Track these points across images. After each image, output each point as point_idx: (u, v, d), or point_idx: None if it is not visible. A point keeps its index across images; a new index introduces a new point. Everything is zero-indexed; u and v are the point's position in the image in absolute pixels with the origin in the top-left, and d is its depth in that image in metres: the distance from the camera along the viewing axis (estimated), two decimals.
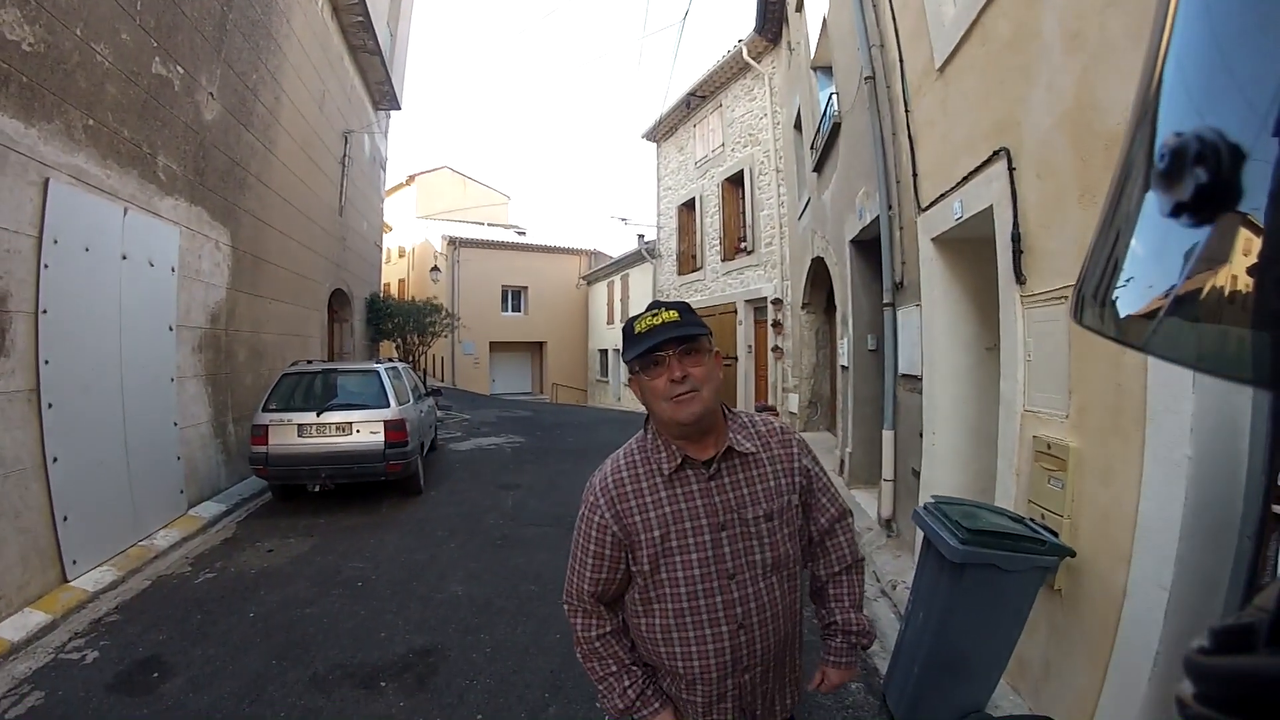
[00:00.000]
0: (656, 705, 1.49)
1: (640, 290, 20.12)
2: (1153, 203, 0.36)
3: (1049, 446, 2.84)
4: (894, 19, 4.92)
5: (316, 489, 6.80)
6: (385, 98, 14.78)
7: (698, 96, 15.60)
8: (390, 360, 8.56)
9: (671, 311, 1.41)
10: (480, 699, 3.24)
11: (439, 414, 11.18)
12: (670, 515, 1.43)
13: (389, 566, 5.08)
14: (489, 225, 28.87)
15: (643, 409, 1.51)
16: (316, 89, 10.51)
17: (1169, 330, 0.35)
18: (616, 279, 22.77)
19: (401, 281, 27.39)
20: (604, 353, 24.08)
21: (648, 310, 1.44)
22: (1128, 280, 0.38)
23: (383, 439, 6.66)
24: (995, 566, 2.39)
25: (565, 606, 1.56)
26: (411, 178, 29.91)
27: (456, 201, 29.17)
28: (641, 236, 21.27)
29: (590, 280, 25.99)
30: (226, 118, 7.25)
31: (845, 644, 1.59)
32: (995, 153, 3.33)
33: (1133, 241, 0.38)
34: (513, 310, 26.77)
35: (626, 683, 1.49)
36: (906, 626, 2.85)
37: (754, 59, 13.00)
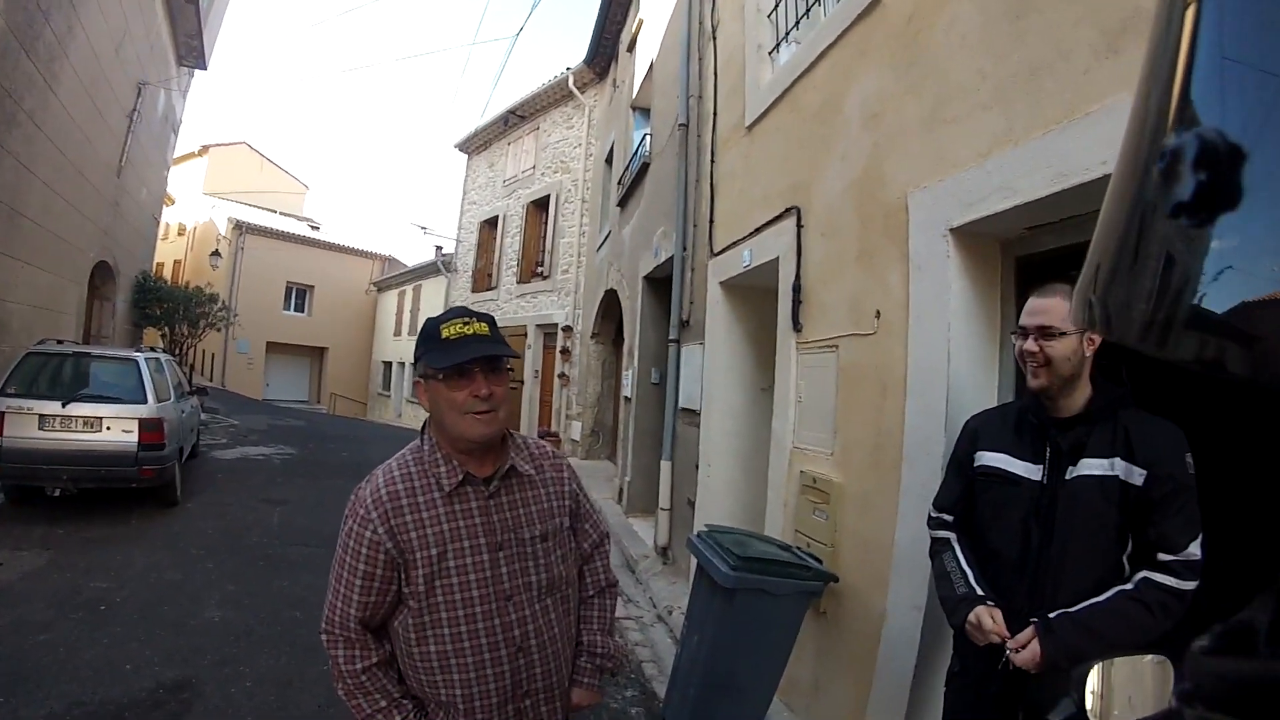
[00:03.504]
0: None
1: (432, 303, 19.37)
2: (1166, 210, 0.37)
3: (815, 481, 3.09)
4: (715, 75, 5.25)
5: (57, 493, 5.83)
6: (192, 53, 12.89)
7: (517, 115, 15.52)
8: (154, 350, 7.31)
9: (482, 324, 1.38)
10: None
11: (203, 416, 9.76)
12: (449, 533, 1.36)
13: (137, 587, 4.51)
14: (281, 214, 26.34)
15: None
16: (118, 27, 8.87)
17: (1187, 335, 0.37)
18: (409, 289, 21.86)
19: (177, 263, 23.56)
20: (388, 365, 22.92)
21: (455, 316, 1.39)
22: (1138, 287, 0.39)
23: (136, 440, 5.87)
24: (764, 591, 2.53)
25: (324, 638, 1.39)
26: (205, 148, 26.18)
27: (250, 183, 25.89)
28: (439, 248, 20.55)
29: (381, 287, 24.76)
30: (7, 37, 5.81)
31: (591, 665, 1.58)
32: (787, 209, 3.64)
33: (1158, 249, 0.39)
34: (296, 310, 24.62)
35: (398, 719, 1.37)
36: (682, 650, 2.91)
37: (579, 89, 13.24)
